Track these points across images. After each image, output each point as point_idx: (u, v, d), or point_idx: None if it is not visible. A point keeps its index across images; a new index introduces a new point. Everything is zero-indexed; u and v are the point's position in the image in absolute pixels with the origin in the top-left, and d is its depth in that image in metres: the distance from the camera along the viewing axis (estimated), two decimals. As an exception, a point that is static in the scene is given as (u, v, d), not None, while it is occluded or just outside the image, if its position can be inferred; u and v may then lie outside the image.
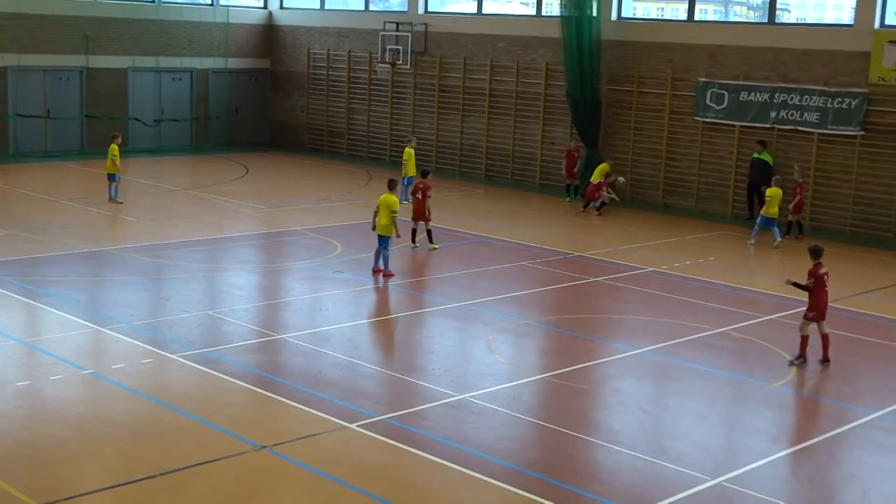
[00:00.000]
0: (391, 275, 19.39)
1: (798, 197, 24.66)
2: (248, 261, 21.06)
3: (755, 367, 15.41)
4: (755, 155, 26.46)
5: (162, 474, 10.82)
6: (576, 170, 29.13)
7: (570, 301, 18.86)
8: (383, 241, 19.48)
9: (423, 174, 22.85)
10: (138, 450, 11.46)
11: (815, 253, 15.58)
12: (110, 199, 25.85)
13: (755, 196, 26.18)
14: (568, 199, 28.71)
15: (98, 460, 11.27)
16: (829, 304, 15.58)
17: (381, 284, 19.15)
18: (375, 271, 19.59)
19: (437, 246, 22.12)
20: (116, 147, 25.88)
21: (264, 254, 21.93)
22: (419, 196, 22.20)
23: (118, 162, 25.78)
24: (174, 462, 11.10)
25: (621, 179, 27.90)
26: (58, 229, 22.49)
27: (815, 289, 15.27)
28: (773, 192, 23.87)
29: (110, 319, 16.19)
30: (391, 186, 19.88)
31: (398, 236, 19.81)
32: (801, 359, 15.27)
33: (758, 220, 24.19)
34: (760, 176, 26.03)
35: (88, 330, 15.66)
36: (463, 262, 21.25)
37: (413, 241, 22.21)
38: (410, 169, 27.52)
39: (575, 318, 17.77)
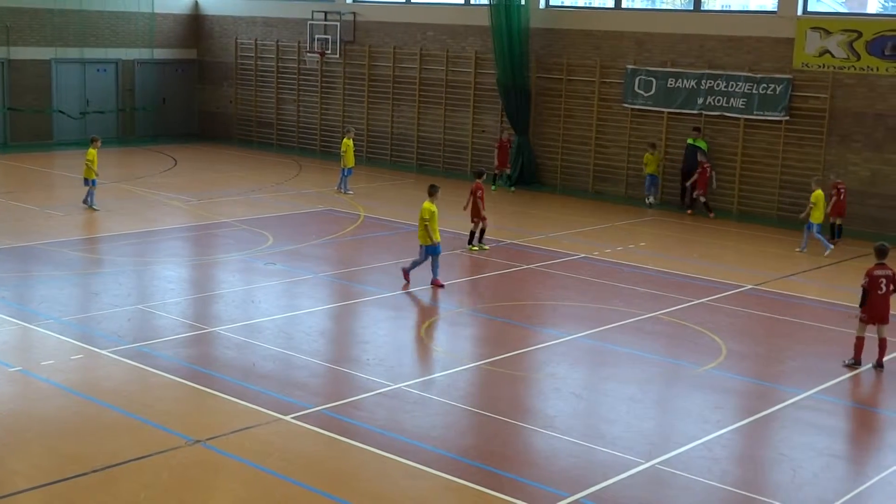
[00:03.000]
0: (440, 284, 18.31)
1: (834, 198, 22.97)
2: (178, 254, 20.81)
3: (686, 350, 15.61)
4: (689, 141, 26.78)
5: (94, 471, 10.67)
6: (508, 160, 28.97)
7: (503, 288, 18.93)
8: (429, 249, 18.39)
9: (478, 175, 21.81)
10: (69, 447, 11.29)
11: (880, 253, 15.02)
12: (86, 205, 23.93)
13: (688, 182, 26.57)
14: (494, 187, 28.58)
15: (28, 458, 11.07)
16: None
17: (428, 302, 17.98)
18: (435, 284, 18.40)
19: (486, 247, 21.49)
20: (94, 151, 24.02)
21: (195, 246, 21.69)
22: (474, 197, 21.21)
23: (95, 167, 23.94)
24: (106, 459, 10.94)
25: None
26: (-19, 225, 22.04)
27: (870, 289, 14.75)
28: (816, 197, 22.08)
29: (38, 316, 15.90)
30: (431, 193, 18.65)
31: (434, 243, 18.32)
32: (855, 362, 14.81)
33: (806, 228, 22.34)
34: (694, 162, 26.37)
35: (15, 326, 15.36)
36: (395, 251, 21.20)
37: (474, 243, 21.55)
38: (349, 160, 27.39)
39: (508, 305, 17.84)
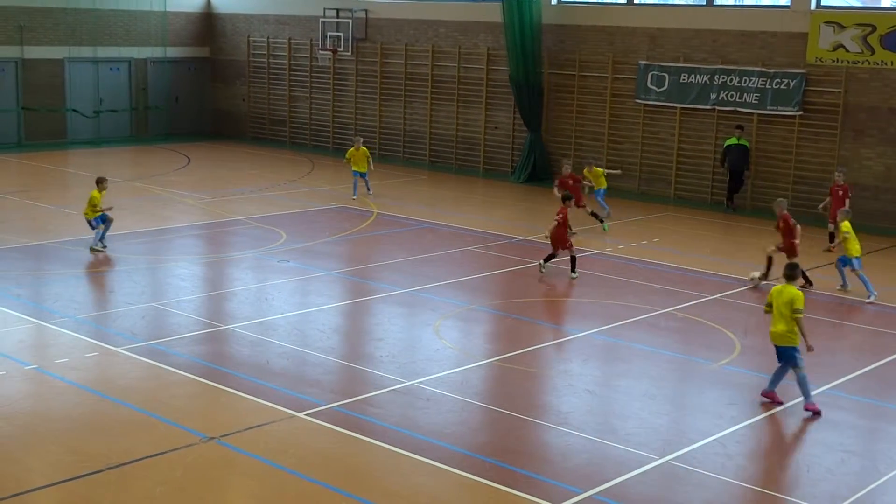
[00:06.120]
0: (815, 409, 12.98)
1: (829, 199, 21.72)
2: (192, 251, 20.86)
3: (700, 346, 15.59)
4: (734, 140, 26.13)
5: (109, 468, 10.71)
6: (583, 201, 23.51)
7: (516, 285, 18.92)
8: (785, 353, 13.07)
9: (565, 199, 19.75)
10: (84, 445, 11.33)
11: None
12: (97, 246, 20.21)
13: (738, 182, 26.16)
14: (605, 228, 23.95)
15: (43, 456, 11.12)
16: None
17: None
18: (769, 396, 13.35)
19: (574, 275, 19.20)
20: (97, 195, 20.39)
21: (208, 244, 21.74)
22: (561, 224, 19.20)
23: (99, 209, 20.41)
24: (121, 456, 10.98)
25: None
26: (-4, 223, 22.15)
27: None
28: (846, 227, 18.55)
29: (53, 314, 15.97)
30: (789, 276, 13.16)
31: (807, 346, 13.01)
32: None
33: (840, 264, 18.92)
34: (742, 162, 26.01)
35: (30, 325, 15.43)
36: (408, 248, 21.23)
37: (544, 266, 19.52)
38: (356, 166, 26.40)
39: (521, 301, 17.84)
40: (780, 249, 18.76)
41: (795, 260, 14.97)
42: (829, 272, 19.54)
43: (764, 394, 13.26)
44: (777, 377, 13.22)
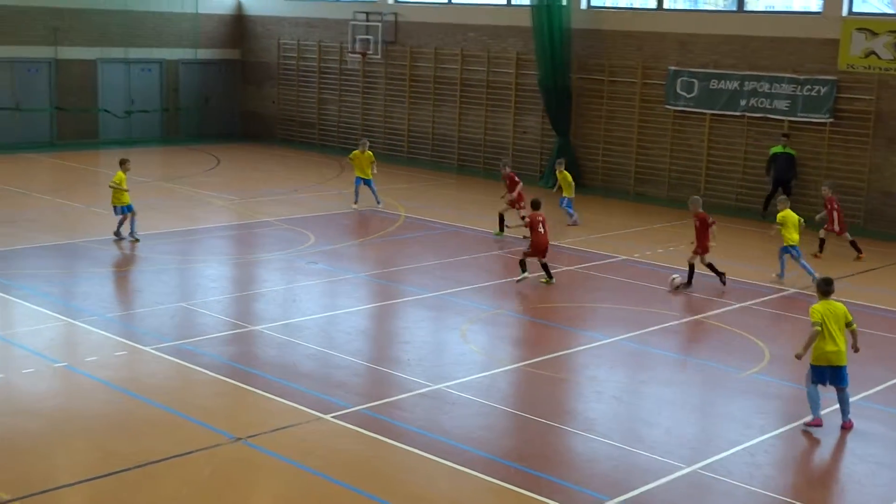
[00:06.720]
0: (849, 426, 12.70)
1: (826, 212, 21.88)
2: (220, 252, 20.95)
3: (728, 354, 15.50)
4: (779, 148, 25.63)
5: (136, 467, 10.77)
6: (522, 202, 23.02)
7: (543, 290, 18.87)
8: (845, 371, 12.60)
9: (535, 205, 19.37)
10: (112, 443, 11.40)
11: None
12: (118, 236, 20.83)
13: (785, 192, 25.08)
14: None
15: (71, 454, 11.20)
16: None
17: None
18: (845, 426, 12.69)
19: (552, 281, 18.96)
20: (122, 175, 20.77)
21: (237, 245, 21.83)
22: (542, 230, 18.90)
23: (123, 194, 20.72)
24: (148, 455, 11.04)
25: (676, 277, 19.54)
26: (28, 222, 22.30)
27: None
28: (782, 216, 19.61)
29: (83, 312, 16.08)
30: (827, 292, 12.70)
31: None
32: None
33: (781, 253, 19.74)
34: (788, 170, 25.45)
35: (60, 323, 15.54)
36: (435, 251, 21.24)
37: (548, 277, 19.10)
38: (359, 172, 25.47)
39: (548, 307, 17.80)
40: (695, 252, 19.04)
41: (827, 276, 14.53)
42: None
43: (844, 426, 12.55)
44: (846, 401, 12.64)
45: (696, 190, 27.73)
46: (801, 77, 25.71)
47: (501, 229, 22.88)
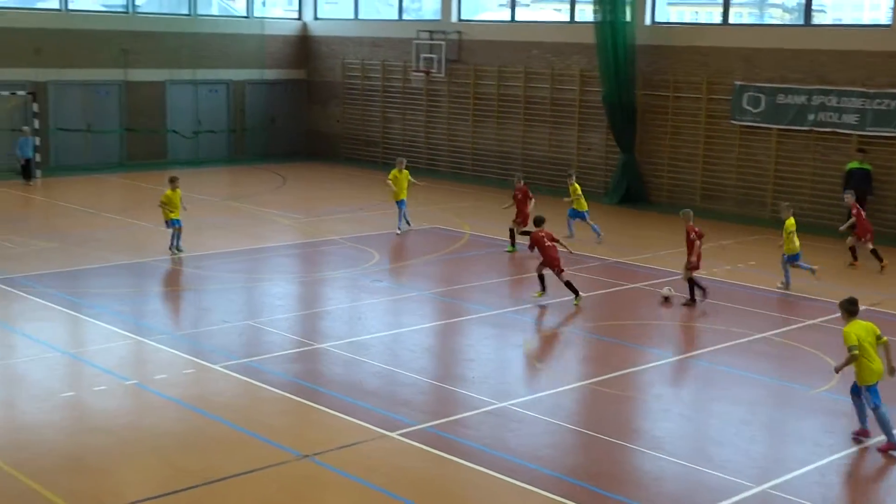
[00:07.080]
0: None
1: (854, 219, 22.08)
2: (286, 270, 21.14)
3: (798, 372, 15.27)
4: (856, 164, 25.22)
5: (204, 484, 10.88)
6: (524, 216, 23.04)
7: (608, 307, 18.77)
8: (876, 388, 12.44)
9: (537, 222, 19.13)
10: (181, 460, 11.53)
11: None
12: (171, 251, 21.65)
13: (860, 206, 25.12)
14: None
15: (141, 470, 11.34)
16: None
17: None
18: (885, 450, 12.34)
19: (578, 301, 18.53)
20: (169, 194, 21.55)
21: (302, 263, 22.02)
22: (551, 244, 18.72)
23: (175, 206, 21.59)
24: (216, 472, 11.15)
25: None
26: (98, 241, 22.71)
27: None
28: (790, 225, 19.92)
29: (152, 330, 16.32)
30: (853, 312, 12.70)
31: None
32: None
33: (785, 262, 20.05)
34: (864, 186, 24.83)
35: (131, 341, 15.79)
36: (500, 269, 21.22)
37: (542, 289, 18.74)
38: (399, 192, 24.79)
39: (614, 324, 17.69)
40: (689, 268, 18.73)
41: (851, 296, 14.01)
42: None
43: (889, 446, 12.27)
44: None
45: (763, 205, 27.45)
46: (871, 91, 25.32)
47: (513, 244, 22.82)
